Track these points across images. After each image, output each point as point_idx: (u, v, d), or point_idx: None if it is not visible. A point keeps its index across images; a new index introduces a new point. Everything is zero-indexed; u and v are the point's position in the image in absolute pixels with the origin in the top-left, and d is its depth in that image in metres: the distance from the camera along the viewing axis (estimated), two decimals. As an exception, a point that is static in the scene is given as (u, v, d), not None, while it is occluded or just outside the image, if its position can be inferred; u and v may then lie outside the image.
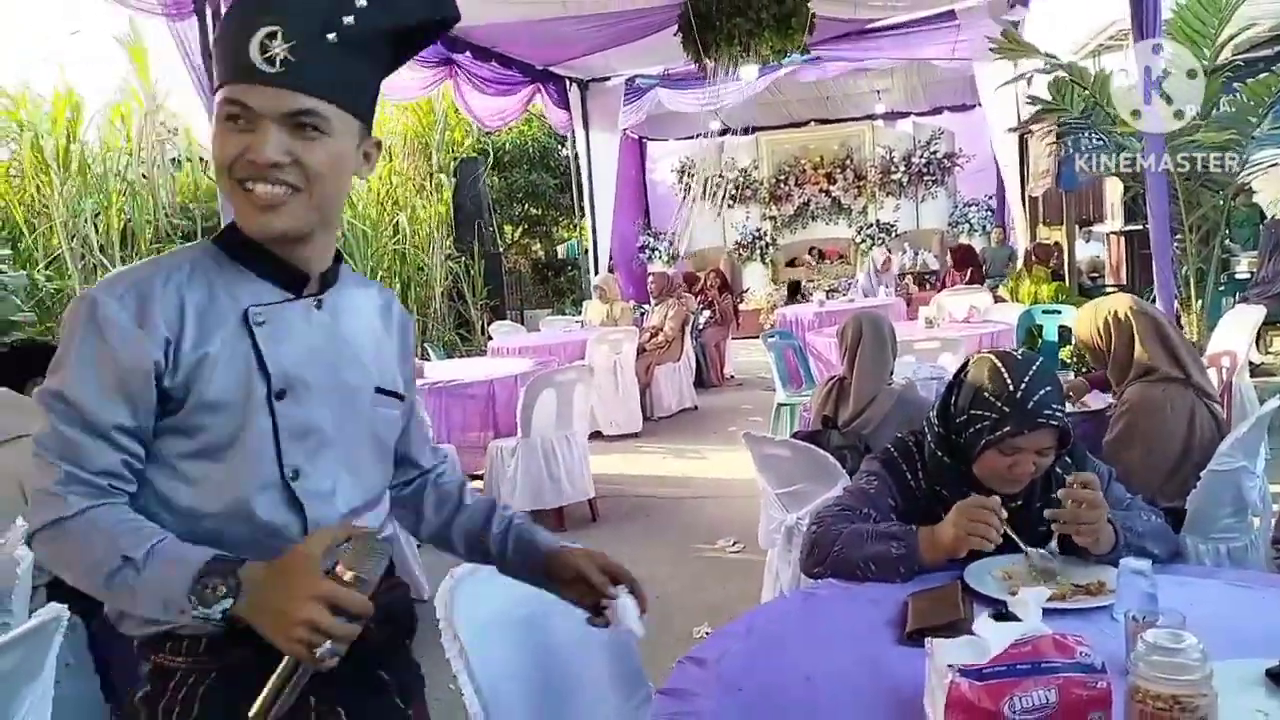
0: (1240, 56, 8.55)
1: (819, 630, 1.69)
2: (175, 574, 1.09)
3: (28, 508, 1.15)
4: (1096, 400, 3.53)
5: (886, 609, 1.72)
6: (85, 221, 8.19)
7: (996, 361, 1.88)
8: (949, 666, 1.27)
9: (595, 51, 8.81)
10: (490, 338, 8.44)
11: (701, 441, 7.02)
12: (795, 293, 12.21)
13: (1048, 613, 1.61)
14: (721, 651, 1.59)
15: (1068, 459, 1.98)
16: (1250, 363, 5.81)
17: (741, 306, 12.78)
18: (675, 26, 7.14)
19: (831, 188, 14.39)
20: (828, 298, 9.79)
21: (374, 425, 1.34)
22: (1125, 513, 1.90)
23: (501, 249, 13.75)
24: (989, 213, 13.28)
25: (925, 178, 14.07)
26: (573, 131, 10.31)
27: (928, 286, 12.38)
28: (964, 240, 13.07)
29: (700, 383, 9.03)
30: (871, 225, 14.16)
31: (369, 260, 9.86)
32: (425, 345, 8.19)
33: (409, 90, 8.13)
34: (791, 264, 14.49)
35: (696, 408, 8.31)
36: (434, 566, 4.36)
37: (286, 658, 1.08)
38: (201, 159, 9.77)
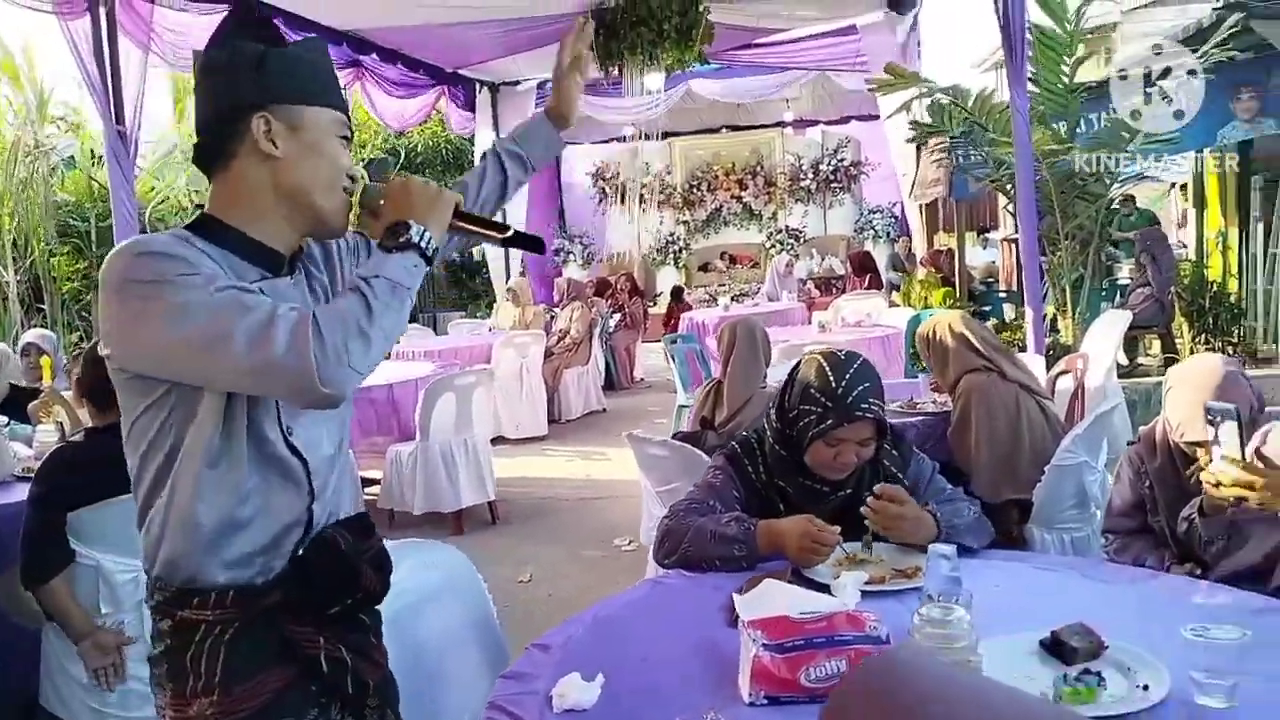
0: (1124, 73, 9.05)
1: (662, 616, 1.81)
2: (377, 259, 1.35)
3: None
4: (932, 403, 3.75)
5: (727, 595, 1.84)
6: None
7: (822, 361, 2.05)
8: (753, 641, 1.40)
9: (502, 56, 8.86)
10: (398, 341, 8.40)
11: (607, 444, 7.12)
12: (679, 298, 12.30)
13: (867, 594, 1.77)
14: (566, 637, 1.70)
15: (894, 453, 2.14)
16: (1119, 364, 6.15)
17: (654, 310, 12.93)
18: (582, 33, 7.24)
19: (743, 193, 14.68)
20: (733, 302, 9.99)
21: None
22: (950, 505, 2.05)
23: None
24: (893, 220, 13.71)
25: (832, 185, 14.46)
26: (474, 134, 10.32)
27: (835, 291, 12.73)
28: (869, 246, 13.47)
29: (610, 385, 9.15)
30: (781, 231, 14.49)
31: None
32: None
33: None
34: (704, 268, 14.72)
35: (605, 410, 8.42)
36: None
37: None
38: (94, 154, 9.52)
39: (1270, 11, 6.80)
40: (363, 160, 11.08)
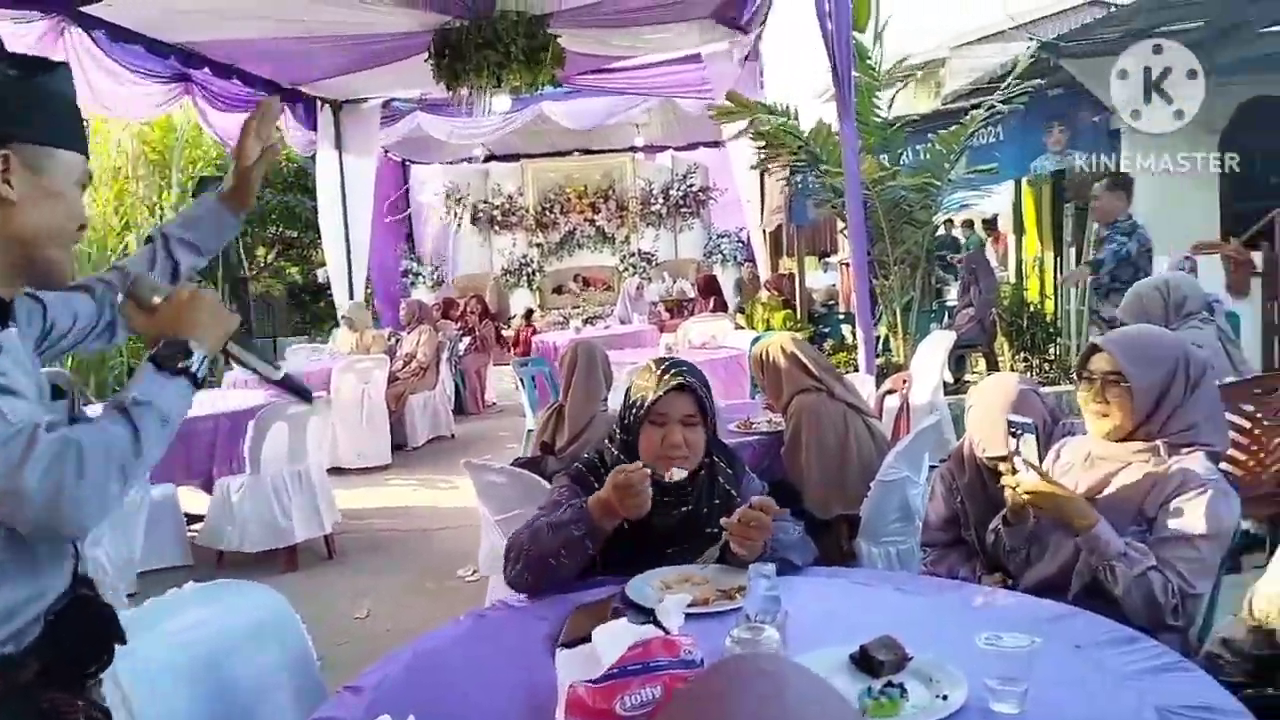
0: (948, 106, 9.61)
1: (484, 649, 1.76)
2: (150, 381, 1.26)
3: None
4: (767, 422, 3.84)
5: (552, 624, 1.81)
6: None
7: (650, 361, 2.19)
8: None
9: (345, 73, 8.62)
10: (231, 368, 8.00)
11: (453, 471, 6.95)
12: (529, 320, 12.49)
13: (691, 616, 1.77)
14: (381, 677, 1.63)
15: (729, 471, 2.19)
16: (946, 382, 6.48)
17: (506, 333, 12.84)
18: (427, 53, 7.14)
19: (596, 217, 14.79)
20: (585, 324, 10.02)
21: None
22: (775, 524, 2.09)
23: (252, 273, 13.11)
24: (740, 244, 14.09)
25: (682, 209, 14.77)
26: (316, 153, 10.00)
27: (686, 313, 12.95)
28: (718, 269, 13.82)
29: (460, 410, 8.99)
30: (634, 254, 14.69)
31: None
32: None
33: (142, 108, 7.62)
34: (558, 290, 14.72)
35: (453, 436, 8.26)
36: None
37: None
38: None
39: (1078, 51, 7.38)
40: (194, 178, 10.54)
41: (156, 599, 1.82)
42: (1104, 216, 5.61)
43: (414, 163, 14.51)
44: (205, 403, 5.56)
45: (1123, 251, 5.43)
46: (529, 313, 12.72)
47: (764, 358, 3.42)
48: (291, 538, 4.80)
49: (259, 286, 13.99)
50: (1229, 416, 2.65)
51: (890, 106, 6.50)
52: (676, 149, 14.77)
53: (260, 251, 14.87)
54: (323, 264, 15.40)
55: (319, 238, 14.94)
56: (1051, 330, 8.15)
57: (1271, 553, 3.30)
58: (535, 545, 1.97)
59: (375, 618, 4.15)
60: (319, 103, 9.76)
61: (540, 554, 1.96)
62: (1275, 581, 1.74)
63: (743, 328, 8.29)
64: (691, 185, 14.71)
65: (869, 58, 6.20)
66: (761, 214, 9.71)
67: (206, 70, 7.73)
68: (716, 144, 13.72)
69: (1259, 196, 7.51)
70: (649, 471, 1.96)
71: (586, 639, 1.64)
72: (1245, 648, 1.77)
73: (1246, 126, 7.28)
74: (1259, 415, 3.36)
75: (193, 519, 5.15)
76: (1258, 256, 6.27)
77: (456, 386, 8.95)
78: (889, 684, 1.41)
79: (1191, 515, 1.94)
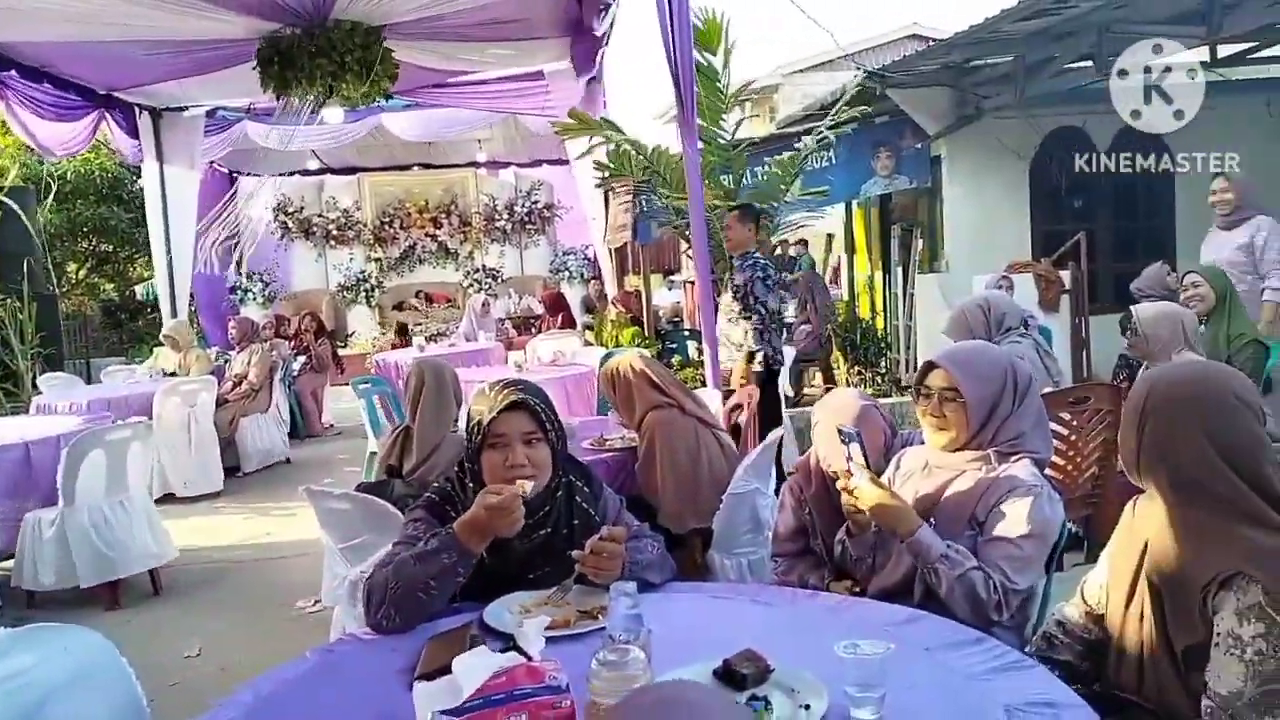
0: (782, 130, 9.98)
1: (334, 685, 1.67)
2: None
3: None
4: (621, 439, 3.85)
5: (406, 656, 1.74)
6: None
7: (486, 384, 2.13)
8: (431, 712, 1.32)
9: (164, 80, 8.13)
10: (39, 392, 7.39)
11: (290, 497, 6.64)
12: (404, 335, 12.25)
13: (553, 639, 1.74)
14: (219, 724, 1.52)
15: (586, 489, 2.16)
16: (787, 396, 6.70)
17: (345, 351, 12.39)
18: (255, 61, 6.82)
19: (438, 232, 14.51)
20: (429, 342, 9.79)
21: None
22: (634, 542, 2.08)
23: (63, 290, 12.17)
24: (586, 261, 14.14)
25: (527, 226, 14.69)
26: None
27: (533, 331, 12.88)
28: (564, 286, 13.81)
29: (296, 433, 8.60)
30: (478, 270, 14.49)
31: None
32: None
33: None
34: (399, 307, 14.34)
35: (289, 460, 7.89)
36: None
37: None
38: None
39: (901, 81, 7.81)
40: (2, 189, 9.68)
41: (-45, 651, 1.64)
42: (735, 246, 5.49)
43: (243, 174, 13.85)
44: (11, 429, 5.10)
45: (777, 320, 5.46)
46: (403, 328, 12.45)
47: (614, 376, 3.43)
48: (113, 573, 4.46)
49: (70, 305, 13.00)
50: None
51: (736, 129, 6.67)
52: (520, 165, 14.68)
53: (71, 267, 13.84)
54: (141, 280, 14.48)
55: (137, 252, 14.06)
56: (883, 345, 8.55)
57: (1088, 549, 3.58)
58: (400, 581, 1.88)
59: (207, 656, 3.89)
60: (137, 110, 9.18)
61: (408, 589, 1.87)
62: (1104, 572, 1.86)
63: (592, 344, 8.30)
64: (536, 202, 14.66)
65: (718, 80, 6.33)
66: (605, 231, 9.79)
67: (14, 73, 7.14)
68: (561, 162, 13.76)
69: (1066, 220, 8.19)
70: (518, 490, 1.92)
71: (445, 670, 1.58)
72: (1077, 630, 1.90)
73: (1054, 153, 7.90)
74: (1075, 423, 3.62)
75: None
76: (1066, 275, 6.80)
77: (292, 408, 8.56)
78: (753, 697, 1.42)
79: (1015, 517, 2.05)
